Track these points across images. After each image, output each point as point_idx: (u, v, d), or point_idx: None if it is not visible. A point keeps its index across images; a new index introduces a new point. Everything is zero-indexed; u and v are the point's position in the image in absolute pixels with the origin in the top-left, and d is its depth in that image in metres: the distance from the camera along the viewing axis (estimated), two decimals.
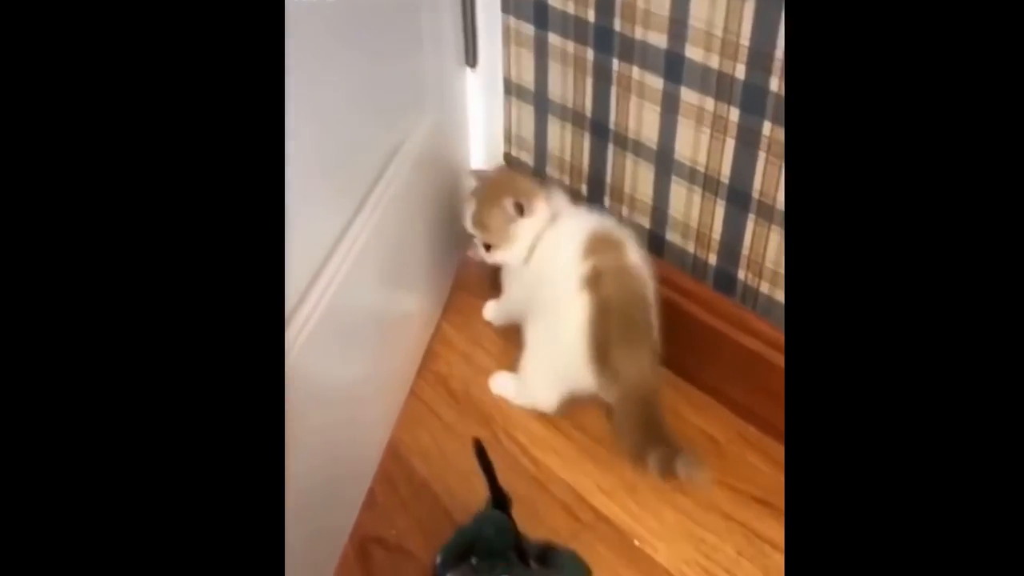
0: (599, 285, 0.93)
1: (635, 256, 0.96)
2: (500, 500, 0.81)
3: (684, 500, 0.91)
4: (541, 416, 1.01)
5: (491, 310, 1.15)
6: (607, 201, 1.11)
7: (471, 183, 1.07)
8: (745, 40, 0.86)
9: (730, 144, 0.93)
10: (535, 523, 0.85)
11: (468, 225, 1.03)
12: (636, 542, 0.87)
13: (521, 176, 1.08)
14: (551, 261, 0.98)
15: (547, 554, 0.79)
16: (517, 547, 0.78)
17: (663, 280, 1.04)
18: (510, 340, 1.10)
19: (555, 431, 0.98)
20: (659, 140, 1.00)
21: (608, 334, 0.92)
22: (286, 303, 0.72)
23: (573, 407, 1.01)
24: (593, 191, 1.12)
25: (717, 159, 0.95)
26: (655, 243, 1.07)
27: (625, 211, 1.09)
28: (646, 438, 0.92)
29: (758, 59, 0.86)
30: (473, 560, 0.76)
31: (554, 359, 0.97)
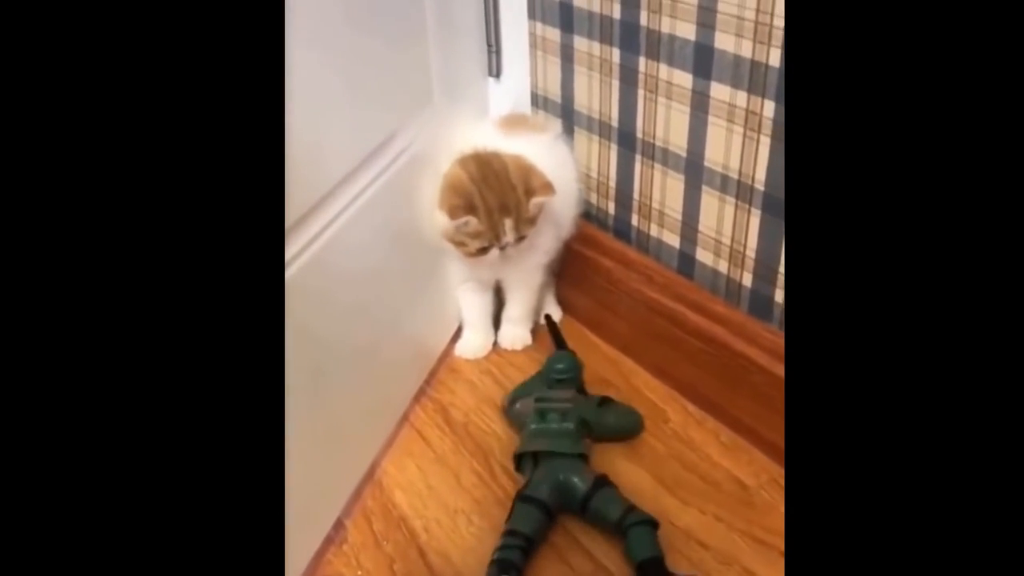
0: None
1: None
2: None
3: (702, 553, 0.77)
4: None
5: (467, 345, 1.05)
6: (635, 219, 1.00)
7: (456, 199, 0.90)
8: (780, 21, 0.76)
9: (764, 143, 0.81)
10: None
11: (505, 233, 0.91)
12: None
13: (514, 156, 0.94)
14: None
15: (606, 401, 0.89)
16: (580, 387, 0.90)
17: (692, 305, 0.92)
18: (521, 368, 1.00)
19: None
20: (688, 146, 0.90)
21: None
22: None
23: None
24: (620, 208, 1.02)
25: (750, 162, 0.83)
26: (685, 264, 0.96)
27: (655, 229, 0.98)
28: None
29: None
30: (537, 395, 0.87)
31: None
